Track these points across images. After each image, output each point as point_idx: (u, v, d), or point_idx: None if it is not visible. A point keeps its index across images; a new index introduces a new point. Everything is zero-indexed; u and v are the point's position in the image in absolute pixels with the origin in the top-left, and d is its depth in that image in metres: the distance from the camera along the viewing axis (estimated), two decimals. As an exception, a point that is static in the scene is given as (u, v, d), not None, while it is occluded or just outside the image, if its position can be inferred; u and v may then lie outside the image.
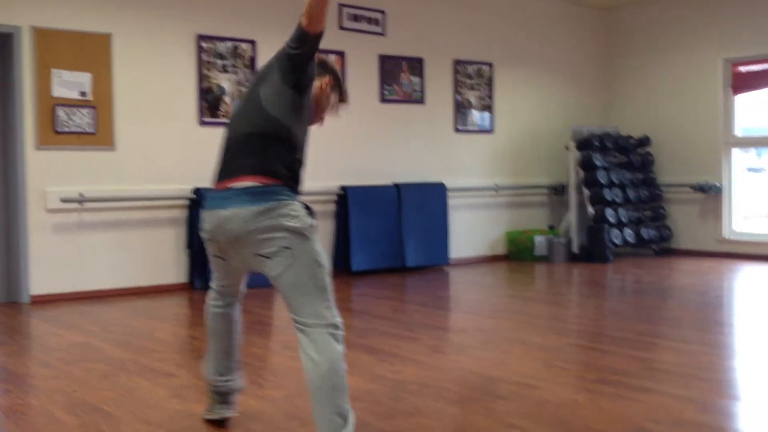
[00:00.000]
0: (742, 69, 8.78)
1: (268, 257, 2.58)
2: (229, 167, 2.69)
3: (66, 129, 6.16)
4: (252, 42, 7.06)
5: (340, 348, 2.55)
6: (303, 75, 2.62)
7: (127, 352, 4.40)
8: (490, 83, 8.87)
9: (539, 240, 8.73)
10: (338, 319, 2.60)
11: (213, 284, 3.01)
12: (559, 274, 7.80)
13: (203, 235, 2.77)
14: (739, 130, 8.93)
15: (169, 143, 6.67)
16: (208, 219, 2.71)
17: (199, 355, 4.38)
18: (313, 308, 2.56)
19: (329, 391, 2.50)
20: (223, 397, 3.08)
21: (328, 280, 2.62)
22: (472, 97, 8.72)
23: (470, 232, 8.71)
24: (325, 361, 2.50)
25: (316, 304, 2.56)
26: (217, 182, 2.73)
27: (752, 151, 9.46)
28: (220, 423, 3.09)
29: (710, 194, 8.96)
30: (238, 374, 3.12)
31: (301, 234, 2.57)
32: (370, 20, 7.84)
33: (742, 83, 8.81)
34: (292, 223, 2.56)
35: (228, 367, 3.06)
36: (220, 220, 2.64)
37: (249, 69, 7.05)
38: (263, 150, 2.63)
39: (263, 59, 7.03)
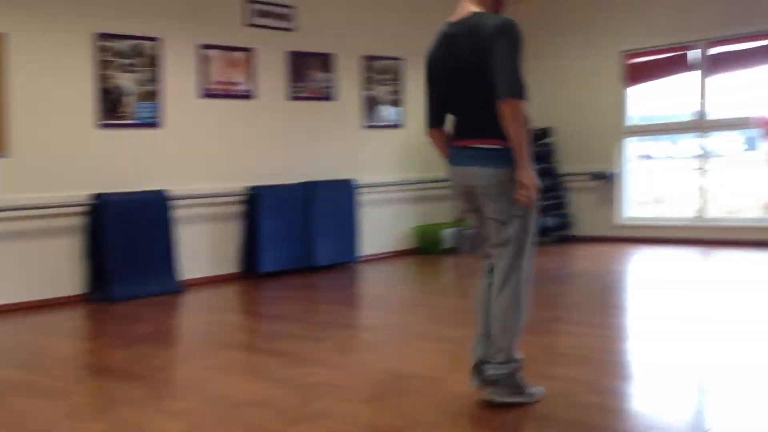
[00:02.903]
0: (636, 60, 9.07)
1: (501, 222, 3.11)
2: (468, 127, 3.13)
3: (-51, 138, 5.83)
4: (154, 39, 6.82)
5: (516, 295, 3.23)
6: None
7: (19, 372, 4.17)
8: (400, 78, 8.88)
9: (446, 233, 8.82)
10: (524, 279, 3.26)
11: (484, 249, 3.29)
12: (464, 266, 7.88)
13: (454, 191, 3.23)
14: (637, 119, 9.20)
15: (65, 148, 6.37)
16: (454, 175, 3.19)
17: (97, 369, 4.22)
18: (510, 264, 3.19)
19: (502, 315, 3.16)
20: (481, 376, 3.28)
21: (532, 251, 3.25)
22: (382, 92, 8.71)
23: (380, 227, 8.71)
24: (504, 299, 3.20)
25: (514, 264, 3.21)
26: (454, 139, 3.20)
27: (650, 139, 9.75)
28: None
29: (606, 182, 9.25)
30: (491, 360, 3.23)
31: (527, 205, 3.13)
32: (278, 16, 7.71)
33: (636, 75, 9.10)
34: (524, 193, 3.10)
35: (485, 348, 3.26)
36: (465, 177, 3.12)
37: (152, 67, 6.80)
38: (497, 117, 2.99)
39: (168, 57, 6.82)
